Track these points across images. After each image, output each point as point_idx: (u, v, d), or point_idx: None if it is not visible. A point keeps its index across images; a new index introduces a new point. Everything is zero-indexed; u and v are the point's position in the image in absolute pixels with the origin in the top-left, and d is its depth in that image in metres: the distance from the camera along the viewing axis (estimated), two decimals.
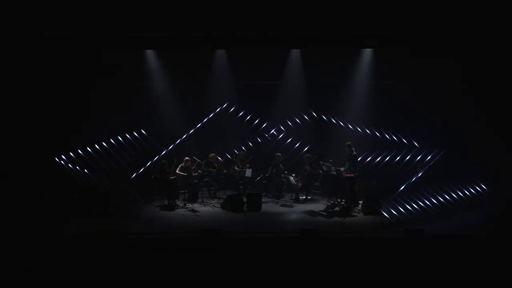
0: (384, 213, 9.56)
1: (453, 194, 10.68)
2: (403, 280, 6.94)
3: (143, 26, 10.61)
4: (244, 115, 13.10)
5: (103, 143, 11.71)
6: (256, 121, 13.07)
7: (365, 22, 10.61)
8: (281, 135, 13.05)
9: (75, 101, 11.83)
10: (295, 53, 12.62)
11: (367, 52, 12.35)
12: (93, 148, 11.61)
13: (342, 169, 10.96)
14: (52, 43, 10.89)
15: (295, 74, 12.95)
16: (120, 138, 11.94)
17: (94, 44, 11.09)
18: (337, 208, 10.86)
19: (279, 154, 12.17)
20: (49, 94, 11.57)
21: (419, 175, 11.10)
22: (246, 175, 11.67)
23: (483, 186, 11.16)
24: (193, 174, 11.61)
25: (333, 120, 12.76)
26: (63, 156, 11.26)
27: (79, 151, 11.42)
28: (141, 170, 11.80)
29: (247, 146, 13.04)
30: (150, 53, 12.44)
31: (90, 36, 10.90)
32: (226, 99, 13.18)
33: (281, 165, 11.94)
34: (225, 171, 12.09)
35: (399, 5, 10.41)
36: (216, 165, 12.04)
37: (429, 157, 11.59)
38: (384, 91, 12.59)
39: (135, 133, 12.15)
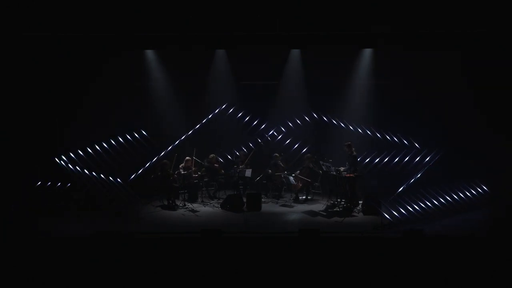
0: (384, 213, 9.56)
1: (453, 195, 10.68)
2: (403, 280, 6.94)
3: (143, 26, 10.61)
4: (244, 115, 13.09)
5: (103, 143, 11.69)
6: (256, 122, 13.06)
7: (364, 22, 10.60)
8: (281, 135, 13.04)
9: (75, 101, 11.83)
10: (295, 53, 12.62)
11: (367, 52, 12.35)
12: (92, 148, 11.60)
13: (342, 169, 10.95)
14: (51, 44, 10.89)
15: (295, 74, 12.94)
16: (120, 138, 11.92)
17: (94, 44, 11.07)
18: (337, 208, 10.86)
19: (277, 154, 12.18)
20: (48, 94, 11.59)
21: (419, 175, 11.09)
22: (246, 175, 11.67)
23: (483, 187, 11.17)
24: (193, 175, 11.61)
25: (333, 121, 12.74)
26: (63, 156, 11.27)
27: (79, 151, 11.43)
28: (140, 170, 11.77)
29: (247, 147, 13.04)
30: (149, 53, 12.44)
31: (88, 36, 10.90)
32: (226, 99, 13.16)
33: (280, 161, 11.95)
34: (222, 171, 12.09)
35: (398, 3, 10.40)
36: (216, 165, 12.04)
37: (429, 157, 11.58)
38: (384, 91, 12.58)
39: (134, 133, 12.13)
